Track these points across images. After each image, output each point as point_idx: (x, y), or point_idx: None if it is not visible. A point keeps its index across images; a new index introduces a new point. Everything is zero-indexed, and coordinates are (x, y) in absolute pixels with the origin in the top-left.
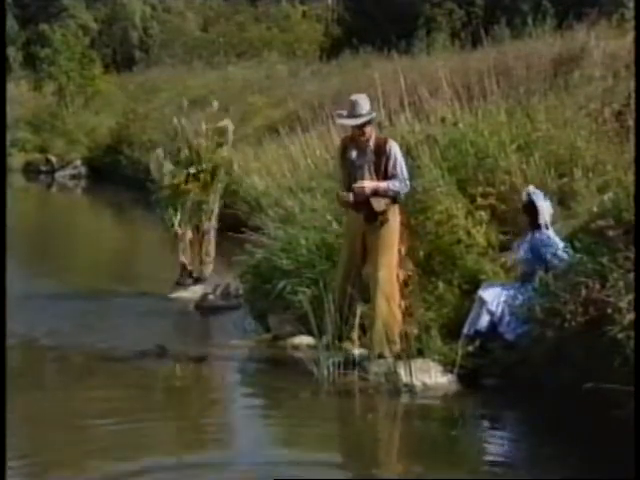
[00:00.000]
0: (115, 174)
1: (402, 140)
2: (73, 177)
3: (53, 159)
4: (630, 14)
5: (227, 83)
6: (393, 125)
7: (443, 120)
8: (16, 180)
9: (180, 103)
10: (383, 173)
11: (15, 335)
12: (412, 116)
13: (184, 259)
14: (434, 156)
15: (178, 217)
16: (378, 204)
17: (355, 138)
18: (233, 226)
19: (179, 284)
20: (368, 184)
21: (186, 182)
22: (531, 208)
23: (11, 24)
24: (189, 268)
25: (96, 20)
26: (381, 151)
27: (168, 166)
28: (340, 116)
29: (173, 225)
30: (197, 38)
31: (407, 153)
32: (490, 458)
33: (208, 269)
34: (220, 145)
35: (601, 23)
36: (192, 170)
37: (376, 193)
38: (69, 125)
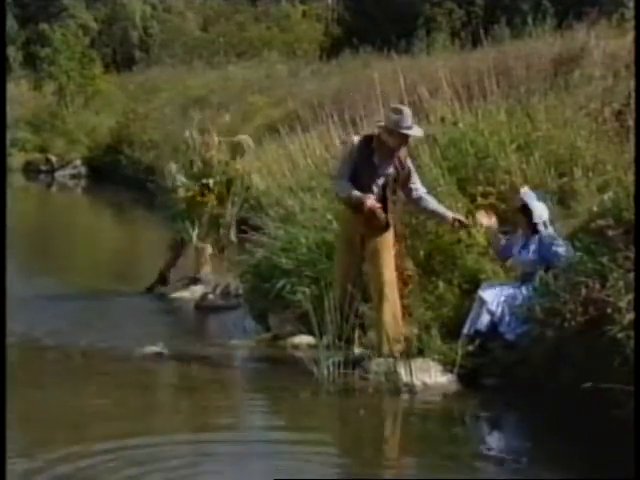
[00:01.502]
0: (115, 174)
1: None
2: (73, 177)
3: (53, 159)
4: (630, 14)
5: (227, 83)
6: None
7: (443, 120)
8: (16, 180)
9: (187, 110)
10: (397, 188)
11: (15, 334)
12: (412, 116)
13: (203, 272)
14: (434, 156)
15: (196, 231)
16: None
17: (383, 144)
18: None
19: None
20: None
21: (202, 194)
22: (525, 210)
23: (11, 24)
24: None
25: (96, 20)
26: (402, 165)
27: (181, 179)
28: (407, 127)
29: (191, 239)
30: (197, 38)
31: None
32: (490, 458)
33: (203, 272)
34: (234, 157)
35: (601, 23)
36: (205, 181)
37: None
38: (69, 125)
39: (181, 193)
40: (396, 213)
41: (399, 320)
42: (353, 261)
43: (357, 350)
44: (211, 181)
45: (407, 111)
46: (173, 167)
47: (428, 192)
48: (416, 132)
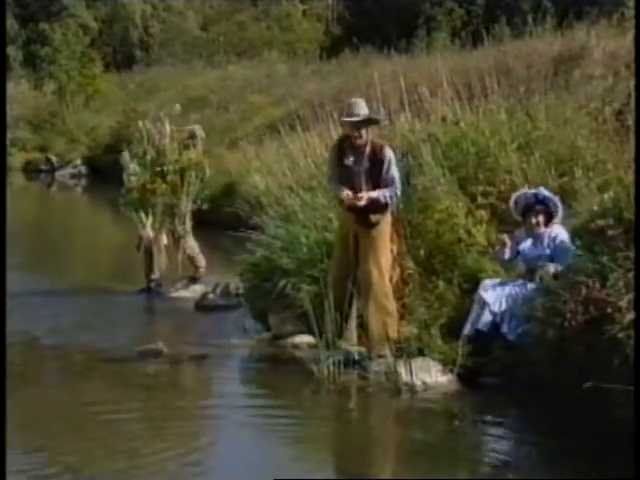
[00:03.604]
0: (115, 173)
1: (403, 139)
2: (73, 176)
3: (53, 158)
4: (630, 13)
5: (227, 82)
6: (393, 124)
7: (444, 119)
8: (16, 179)
9: (188, 110)
10: (377, 181)
11: (15, 333)
12: (412, 115)
13: (160, 263)
14: (435, 155)
15: (150, 220)
16: (375, 217)
17: (352, 141)
18: (233, 225)
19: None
20: (365, 196)
21: (152, 182)
22: (545, 205)
23: (11, 23)
24: (156, 273)
25: (96, 19)
26: (377, 158)
27: (135, 168)
28: (349, 115)
29: (144, 227)
30: (197, 37)
31: (408, 152)
32: (490, 457)
33: (201, 270)
34: (187, 147)
35: (601, 22)
36: (158, 169)
37: (371, 203)
38: (69, 124)
39: (133, 181)
40: (385, 210)
41: (394, 319)
42: (349, 260)
43: (356, 349)
44: (164, 168)
45: (355, 102)
46: (126, 156)
47: (430, 189)
48: (344, 118)
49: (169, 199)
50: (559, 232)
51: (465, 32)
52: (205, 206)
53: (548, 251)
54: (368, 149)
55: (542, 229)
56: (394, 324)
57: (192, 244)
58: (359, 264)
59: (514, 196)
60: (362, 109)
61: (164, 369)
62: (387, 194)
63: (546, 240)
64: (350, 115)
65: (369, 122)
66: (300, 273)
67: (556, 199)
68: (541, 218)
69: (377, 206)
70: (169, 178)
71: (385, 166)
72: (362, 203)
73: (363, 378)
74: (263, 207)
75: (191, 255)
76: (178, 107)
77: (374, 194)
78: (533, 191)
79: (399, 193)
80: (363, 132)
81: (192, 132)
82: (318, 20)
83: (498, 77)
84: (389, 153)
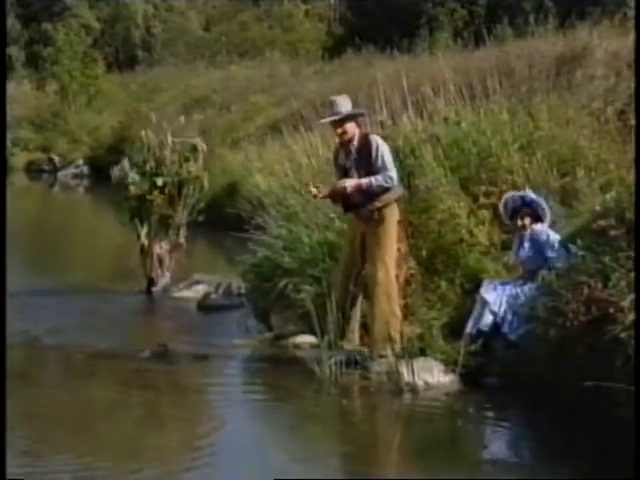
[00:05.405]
0: None
1: (405, 139)
2: (75, 176)
3: (55, 158)
4: (632, 13)
5: (229, 82)
6: (396, 124)
7: (446, 119)
8: (19, 179)
9: (190, 110)
10: (367, 170)
11: (16, 333)
12: (415, 115)
13: (151, 273)
14: (437, 155)
15: (145, 229)
16: (372, 206)
17: (342, 141)
18: (235, 225)
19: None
20: (349, 182)
21: (150, 193)
22: (531, 207)
23: (13, 23)
24: (156, 281)
25: (99, 19)
26: (364, 148)
27: (134, 176)
28: (330, 115)
29: (139, 236)
30: (199, 37)
31: (410, 152)
32: (491, 457)
33: (164, 279)
34: (187, 160)
35: (603, 22)
36: (156, 180)
37: (362, 192)
38: (71, 124)
39: (132, 190)
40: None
41: (398, 319)
42: (354, 260)
43: (357, 349)
44: (159, 180)
45: (334, 100)
46: (126, 164)
47: (432, 190)
48: (323, 120)
49: (165, 210)
50: (539, 232)
51: (467, 32)
52: (201, 218)
53: (531, 253)
54: (356, 142)
55: (526, 231)
56: (397, 324)
57: (156, 248)
58: (365, 264)
59: (503, 199)
60: (342, 106)
61: (166, 369)
62: (379, 177)
63: (526, 243)
64: (331, 115)
65: (352, 118)
66: (302, 273)
67: (542, 201)
68: (527, 220)
69: (371, 193)
70: (167, 190)
71: (373, 154)
72: (347, 187)
73: (365, 378)
74: (265, 207)
75: (148, 257)
76: (182, 119)
77: (364, 181)
78: (520, 194)
79: (394, 175)
80: (347, 127)
81: (194, 145)
82: (320, 20)
83: (500, 77)
84: (375, 139)
